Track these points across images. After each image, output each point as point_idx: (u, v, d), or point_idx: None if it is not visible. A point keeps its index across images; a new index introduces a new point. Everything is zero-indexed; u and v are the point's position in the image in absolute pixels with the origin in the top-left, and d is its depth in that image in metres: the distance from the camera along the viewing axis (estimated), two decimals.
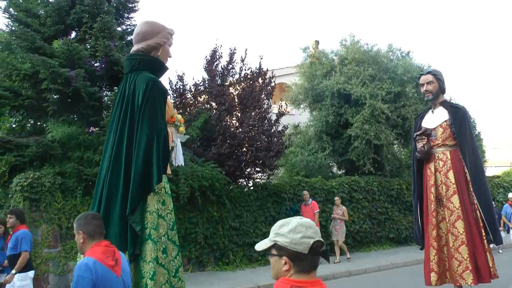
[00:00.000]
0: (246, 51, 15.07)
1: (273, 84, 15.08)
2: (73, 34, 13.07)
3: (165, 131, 4.78)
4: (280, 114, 14.78)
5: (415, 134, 7.90)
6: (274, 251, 2.49)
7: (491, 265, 7.34)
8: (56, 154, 11.32)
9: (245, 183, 14.76)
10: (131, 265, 4.44)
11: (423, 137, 7.71)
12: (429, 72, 7.88)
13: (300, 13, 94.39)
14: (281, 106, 15.27)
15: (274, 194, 14.32)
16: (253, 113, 14.03)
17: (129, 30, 13.93)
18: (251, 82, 14.51)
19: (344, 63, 17.24)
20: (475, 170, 7.44)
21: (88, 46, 12.27)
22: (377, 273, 12.75)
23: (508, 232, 15.30)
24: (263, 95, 14.60)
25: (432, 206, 7.61)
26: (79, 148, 11.50)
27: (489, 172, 23.80)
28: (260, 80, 14.80)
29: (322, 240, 2.43)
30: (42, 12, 12.70)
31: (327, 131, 17.37)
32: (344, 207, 14.23)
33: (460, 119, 7.56)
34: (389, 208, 16.74)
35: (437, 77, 7.73)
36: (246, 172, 14.42)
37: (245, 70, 14.66)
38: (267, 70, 15.08)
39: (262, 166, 14.25)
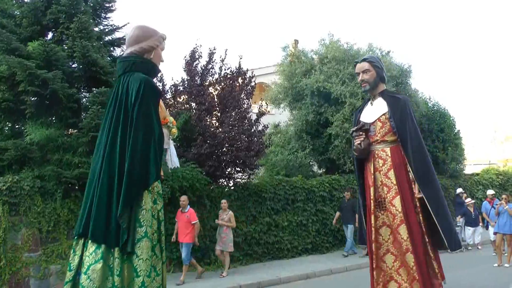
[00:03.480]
0: (226, 51, 15.13)
1: (253, 83, 15.09)
2: (50, 35, 12.89)
3: (160, 130, 4.77)
4: (260, 114, 14.79)
5: (351, 130, 7.19)
6: None
7: (434, 271, 6.67)
8: (35, 157, 11.17)
9: (225, 183, 14.75)
10: (124, 265, 4.44)
11: (360, 133, 6.95)
12: (364, 59, 7.03)
13: (279, 12, 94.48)
14: (261, 105, 15.28)
15: (254, 194, 14.32)
16: (233, 113, 14.02)
17: (107, 30, 13.79)
18: (230, 82, 14.49)
19: (323, 62, 17.31)
20: (420, 167, 6.70)
21: (65, 47, 12.11)
22: (359, 270, 12.83)
23: (487, 228, 15.51)
24: (243, 95, 14.60)
25: (371, 209, 6.84)
26: (58, 151, 11.35)
27: (468, 169, 24.12)
28: (240, 80, 14.80)
29: None
30: (18, 13, 12.50)
31: (307, 130, 17.42)
32: (231, 212, 12.43)
33: (400, 111, 6.79)
34: None
35: (374, 64, 6.92)
36: (227, 172, 14.42)
37: (224, 70, 14.64)
38: (247, 69, 15.08)
39: (242, 166, 14.25)
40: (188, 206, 11.90)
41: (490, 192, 16.05)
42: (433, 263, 6.63)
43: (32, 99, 11.50)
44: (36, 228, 10.67)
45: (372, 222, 6.77)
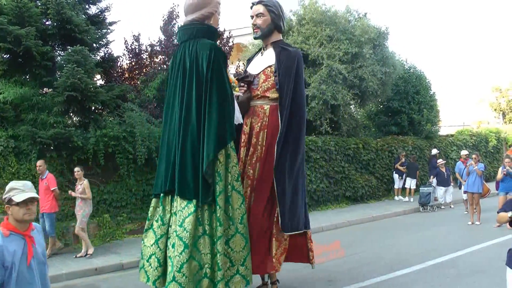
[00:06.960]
0: None
1: (230, 44, 14.95)
2: None
3: (231, 91, 5.28)
4: (238, 75, 14.68)
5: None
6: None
7: (274, 253, 5.82)
8: (8, 117, 10.99)
9: None
10: (213, 215, 5.09)
11: (242, 84, 6.23)
12: (260, 2, 6.18)
13: None
14: (239, 66, 15.18)
15: None
16: None
17: None
18: None
19: (301, 23, 17.16)
20: (289, 132, 5.84)
21: (39, 3, 11.82)
22: (334, 230, 13.02)
23: (460, 188, 15.85)
24: None
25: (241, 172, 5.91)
26: (32, 110, 11.20)
27: (443, 131, 24.55)
28: (218, 41, 14.63)
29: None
30: None
31: None
32: (85, 181, 10.09)
33: (287, 66, 5.94)
34: (346, 167, 17.04)
35: (270, 9, 6.10)
36: None
37: None
38: (225, 30, 14.92)
39: None
40: (47, 172, 10.18)
41: (463, 152, 16.34)
42: (273, 244, 5.84)
43: (5, 56, 11.27)
44: None
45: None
